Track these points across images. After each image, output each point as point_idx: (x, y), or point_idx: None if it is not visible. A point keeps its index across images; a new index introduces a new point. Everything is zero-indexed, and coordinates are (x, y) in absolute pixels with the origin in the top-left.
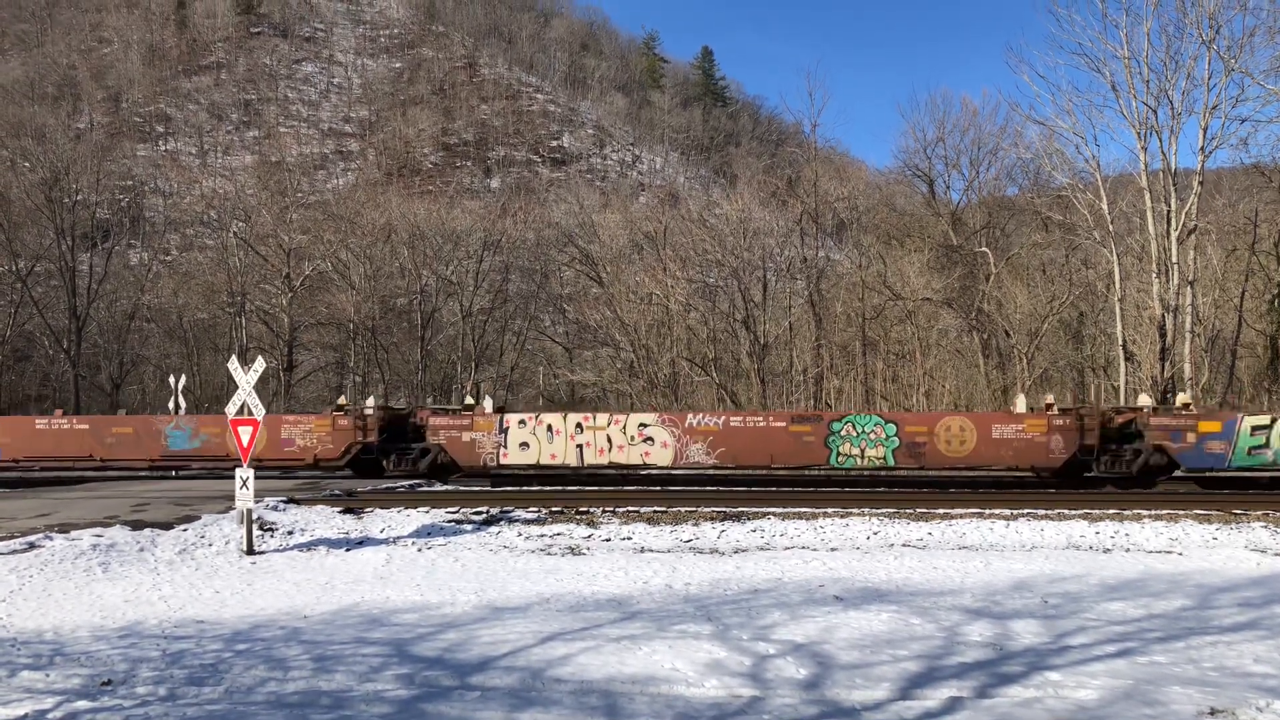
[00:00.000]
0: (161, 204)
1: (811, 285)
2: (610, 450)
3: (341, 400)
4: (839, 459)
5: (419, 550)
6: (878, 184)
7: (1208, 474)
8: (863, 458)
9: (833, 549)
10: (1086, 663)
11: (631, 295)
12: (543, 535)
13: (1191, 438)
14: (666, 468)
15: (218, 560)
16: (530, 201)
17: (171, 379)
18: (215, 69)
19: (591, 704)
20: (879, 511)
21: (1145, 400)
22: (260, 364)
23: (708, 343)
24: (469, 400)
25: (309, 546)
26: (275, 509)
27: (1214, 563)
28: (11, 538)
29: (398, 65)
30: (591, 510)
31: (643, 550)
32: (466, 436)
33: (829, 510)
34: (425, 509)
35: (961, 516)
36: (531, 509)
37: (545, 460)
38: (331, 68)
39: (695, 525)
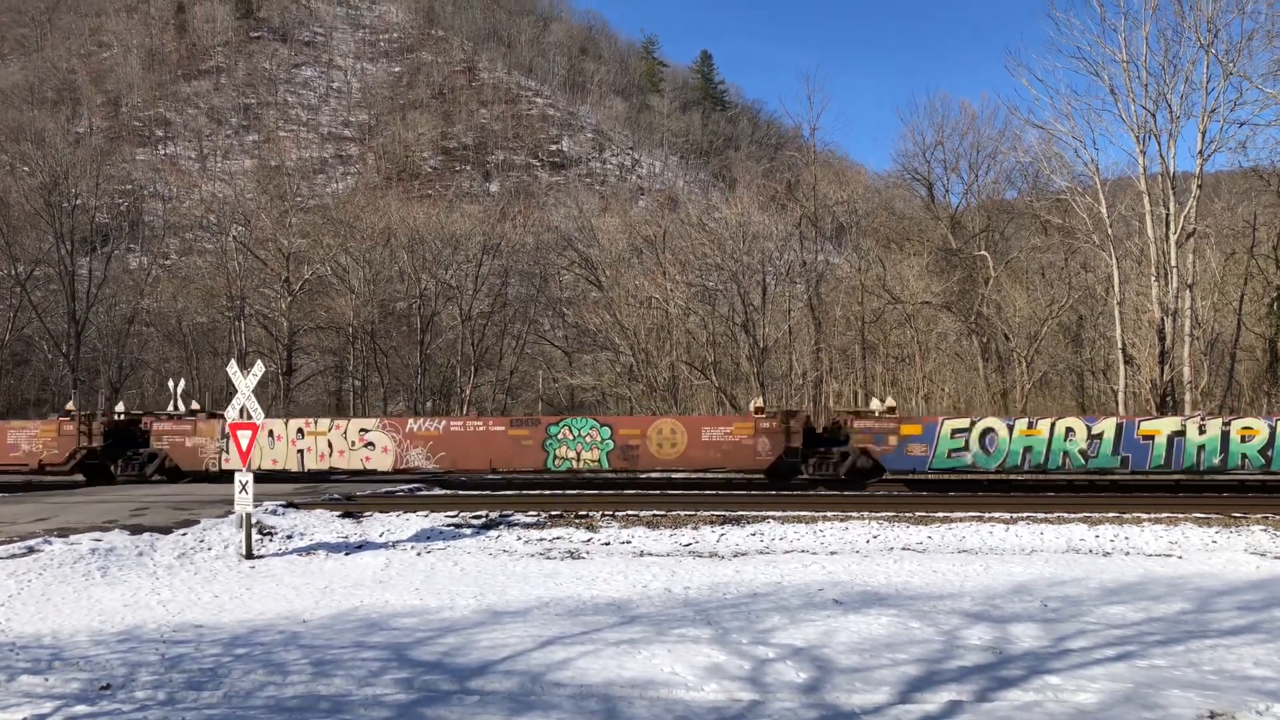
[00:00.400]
0: (161, 208)
1: (811, 289)
2: (331, 455)
3: (69, 406)
4: (556, 462)
5: (418, 554)
6: (877, 188)
7: (910, 476)
8: (578, 460)
9: (832, 553)
10: (1086, 666)
11: (631, 299)
12: (542, 539)
13: (894, 440)
14: (387, 473)
15: (216, 564)
16: (529, 205)
17: (171, 383)
18: (215, 73)
19: (591, 708)
20: (878, 515)
21: (875, 405)
22: (259, 368)
23: (707, 346)
24: (194, 406)
25: (308, 550)
26: (274, 513)
27: (1214, 566)
28: (10, 542)
29: (397, 69)
30: (591, 514)
31: (642, 554)
32: (190, 442)
33: (828, 514)
34: (424, 513)
35: (961, 520)
36: (531, 513)
37: (266, 465)
38: (331, 72)
39: (695, 529)
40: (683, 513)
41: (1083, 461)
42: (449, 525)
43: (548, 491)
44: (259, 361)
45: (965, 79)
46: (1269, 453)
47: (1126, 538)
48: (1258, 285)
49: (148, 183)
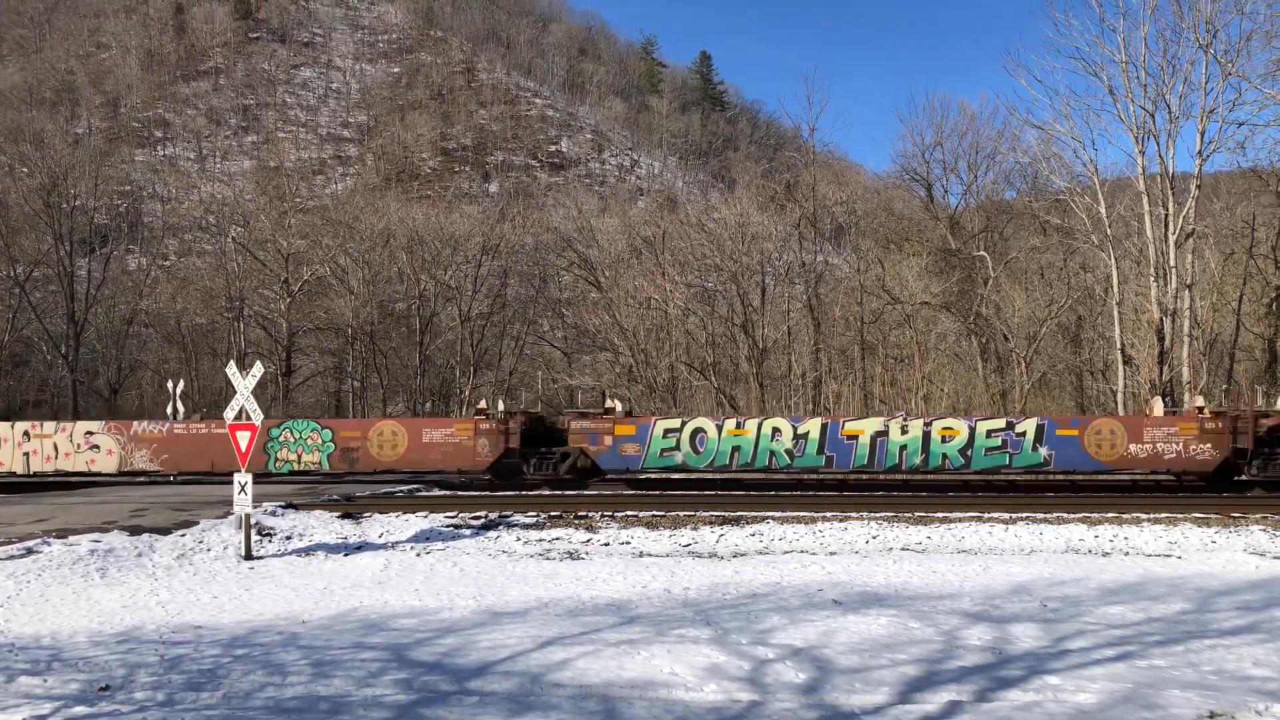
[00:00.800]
0: (160, 209)
1: (810, 289)
2: (57, 458)
3: None
4: (277, 464)
5: (417, 555)
6: (876, 188)
7: (626, 475)
8: (299, 462)
9: (831, 553)
10: (1086, 666)
11: (630, 300)
12: (541, 540)
13: (608, 440)
14: (111, 475)
15: (216, 565)
16: (529, 206)
17: (170, 384)
18: (214, 74)
19: (590, 709)
20: (877, 515)
21: (616, 405)
22: (258, 369)
23: (706, 347)
24: None
25: (307, 551)
26: (273, 514)
27: (1213, 566)
28: (10, 543)
29: (396, 70)
30: (590, 515)
31: (641, 554)
32: None
33: (827, 514)
34: (424, 514)
35: (960, 520)
36: (530, 514)
37: None
38: (330, 73)
39: (694, 530)
40: (682, 513)
41: (788, 461)
42: (448, 526)
43: (546, 493)
44: (258, 362)
45: (965, 79)
46: (968, 453)
47: (1126, 538)
48: (1256, 285)
49: (147, 184)
